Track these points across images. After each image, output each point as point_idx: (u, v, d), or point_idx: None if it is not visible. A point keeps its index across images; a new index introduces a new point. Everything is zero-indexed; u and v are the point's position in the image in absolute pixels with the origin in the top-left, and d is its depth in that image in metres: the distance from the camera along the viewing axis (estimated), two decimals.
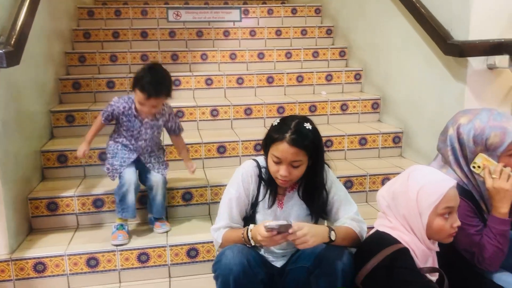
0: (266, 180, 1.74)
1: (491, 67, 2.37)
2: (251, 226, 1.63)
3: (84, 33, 3.68)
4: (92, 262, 2.12)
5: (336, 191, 1.75)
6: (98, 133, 2.29)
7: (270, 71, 3.51)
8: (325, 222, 1.80)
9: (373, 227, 1.66)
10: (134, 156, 2.25)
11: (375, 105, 3.32)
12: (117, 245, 2.15)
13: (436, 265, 1.59)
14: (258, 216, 1.75)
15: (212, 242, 2.07)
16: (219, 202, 1.79)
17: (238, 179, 1.74)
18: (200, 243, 2.20)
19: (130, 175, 2.18)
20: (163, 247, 2.18)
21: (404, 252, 1.49)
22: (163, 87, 2.13)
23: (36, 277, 2.08)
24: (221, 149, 2.83)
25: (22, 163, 2.32)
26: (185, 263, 2.20)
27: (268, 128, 1.69)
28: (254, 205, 1.75)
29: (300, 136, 1.60)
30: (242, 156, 2.84)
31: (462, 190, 1.65)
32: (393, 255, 1.48)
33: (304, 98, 3.32)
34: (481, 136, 1.64)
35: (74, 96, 3.22)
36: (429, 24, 2.58)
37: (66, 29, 3.52)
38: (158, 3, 4.24)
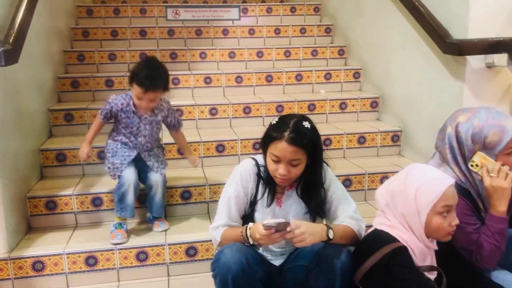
0: (265, 179, 1.74)
1: (489, 66, 2.37)
2: (250, 224, 1.63)
3: (83, 32, 3.67)
4: (91, 260, 2.12)
5: (335, 189, 1.75)
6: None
7: (269, 70, 3.51)
8: (324, 221, 1.80)
9: (371, 226, 1.66)
10: (134, 153, 2.25)
11: (374, 104, 3.32)
12: (115, 244, 2.15)
13: (435, 264, 1.60)
14: (257, 215, 1.75)
15: (210, 240, 2.06)
16: (218, 200, 1.79)
17: (237, 178, 1.74)
18: (199, 241, 2.20)
19: (130, 174, 2.18)
20: (161, 245, 2.18)
21: (402, 251, 1.50)
22: (160, 80, 2.13)
23: (35, 276, 2.08)
24: (220, 148, 2.83)
25: (20, 162, 2.32)
26: (183, 261, 2.20)
27: (267, 127, 1.69)
28: (252, 203, 1.75)
29: (299, 135, 1.60)
30: (241, 154, 2.84)
31: (460, 189, 1.65)
32: (392, 254, 1.48)
33: (303, 96, 3.31)
34: (479, 134, 1.64)
35: (73, 95, 3.22)
36: (428, 22, 2.58)
37: (64, 28, 3.51)
38: (157, 2, 4.24)
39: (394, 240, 1.52)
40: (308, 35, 4.01)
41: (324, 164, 1.75)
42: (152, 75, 2.09)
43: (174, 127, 2.36)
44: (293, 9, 4.23)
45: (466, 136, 1.67)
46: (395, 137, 3.04)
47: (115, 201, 2.22)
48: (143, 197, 2.36)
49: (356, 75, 3.59)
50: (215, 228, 1.74)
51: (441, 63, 2.59)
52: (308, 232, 1.50)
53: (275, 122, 1.66)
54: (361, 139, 2.99)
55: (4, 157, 2.10)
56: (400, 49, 3.02)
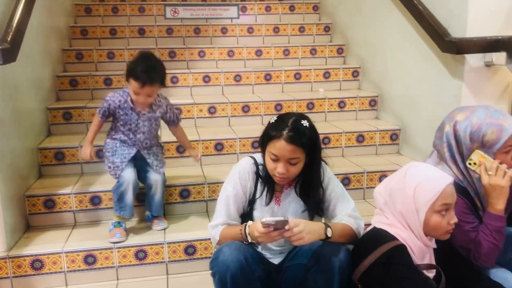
0: (264, 177, 1.74)
1: (488, 64, 2.37)
2: (249, 222, 1.64)
3: (81, 30, 3.66)
4: (90, 259, 2.12)
5: (333, 188, 1.75)
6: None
7: (267, 69, 3.51)
8: (322, 219, 1.80)
9: (370, 224, 1.66)
10: (133, 151, 2.24)
11: (373, 103, 3.32)
12: (114, 243, 2.15)
13: (433, 262, 1.60)
14: (256, 213, 1.75)
15: (209, 239, 2.07)
16: (216, 199, 1.79)
17: (235, 176, 1.74)
18: (197, 240, 2.20)
19: (129, 174, 2.18)
20: (160, 244, 2.18)
21: (401, 249, 1.50)
22: (157, 74, 2.12)
23: (34, 275, 2.08)
24: (219, 146, 2.83)
25: (19, 161, 2.32)
26: (182, 260, 2.20)
27: (266, 125, 1.69)
28: (251, 202, 1.75)
29: (298, 133, 1.60)
30: (239, 153, 2.84)
31: (458, 187, 1.65)
32: (390, 252, 1.48)
33: (302, 95, 3.31)
34: (477, 133, 1.65)
35: (71, 93, 3.21)
36: (427, 21, 2.58)
37: (63, 26, 3.51)
38: (156, 0, 4.22)
39: (393, 238, 1.52)
40: (307, 33, 4.01)
41: (323, 163, 1.75)
42: (148, 69, 2.09)
43: (174, 123, 2.36)
44: (292, 8, 4.23)
45: (464, 135, 1.67)
46: (394, 136, 3.04)
47: (114, 200, 2.21)
48: (142, 195, 2.36)
49: (355, 73, 3.59)
50: (214, 227, 1.74)
51: (440, 61, 2.59)
52: (306, 230, 1.50)
53: (273, 121, 1.66)
54: (360, 138, 3.00)
55: (2, 155, 2.09)
56: (399, 47, 3.02)
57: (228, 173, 1.79)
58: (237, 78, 3.44)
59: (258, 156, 1.77)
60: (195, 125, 3.10)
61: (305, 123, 1.63)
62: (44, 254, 2.08)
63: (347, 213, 1.72)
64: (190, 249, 2.20)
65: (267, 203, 1.74)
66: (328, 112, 3.27)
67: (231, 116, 3.16)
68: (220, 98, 3.24)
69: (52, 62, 3.13)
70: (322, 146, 1.76)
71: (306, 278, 1.62)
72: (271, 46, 3.74)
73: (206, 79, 3.40)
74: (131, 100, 2.18)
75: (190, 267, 2.21)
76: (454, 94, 2.48)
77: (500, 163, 1.63)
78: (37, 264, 2.08)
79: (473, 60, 2.38)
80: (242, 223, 1.73)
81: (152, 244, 2.17)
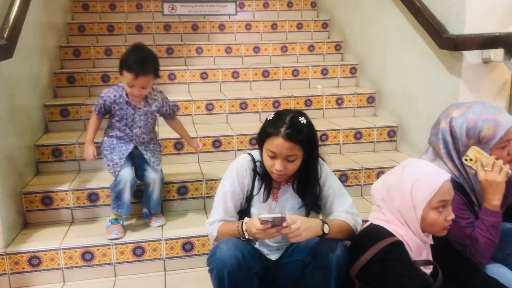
0: (261, 174, 1.74)
1: (486, 61, 2.38)
2: (246, 219, 1.64)
3: (78, 27, 3.65)
4: (87, 256, 2.12)
5: (331, 184, 1.75)
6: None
7: (265, 65, 3.50)
8: (320, 216, 1.81)
9: (367, 221, 1.66)
10: (131, 146, 2.23)
11: (371, 99, 3.32)
12: (112, 239, 2.14)
13: (430, 258, 1.60)
14: (253, 210, 1.75)
15: (207, 235, 2.07)
16: (214, 196, 1.79)
17: (233, 173, 1.74)
18: (195, 236, 2.21)
19: (126, 172, 2.17)
20: (158, 240, 2.18)
21: (398, 245, 1.50)
22: (150, 64, 2.11)
23: (31, 271, 2.08)
24: (216, 143, 2.82)
25: (16, 158, 2.31)
26: (180, 256, 2.21)
27: (263, 122, 1.69)
28: (249, 199, 1.76)
29: (295, 130, 1.60)
30: (237, 150, 2.84)
31: (454, 183, 1.65)
32: (388, 248, 1.48)
33: (300, 92, 3.31)
34: (474, 129, 1.65)
35: (69, 90, 3.21)
36: (425, 18, 2.58)
37: (60, 23, 3.49)
38: None
39: (390, 234, 1.53)
40: (305, 30, 4.00)
41: (320, 159, 1.75)
42: (141, 60, 2.07)
43: (170, 116, 2.35)
44: (290, 4, 4.22)
45: (460, 131, 1.67)
46: (392, 133, 3.04)
47: (111, 198, 2.21)
48: (139, 192, 2.36)
49: (353, 70, 3.59)
50: (211, 223, 1.75)
51: (438, 58, 2.59)
52: (303, 227, 1.51)
53: (271, 118, 1.66)
54: (358, 135, 3.00)
55: None
56: (397, 44, 3.02)
57: (225, 170, 1.79)
58: (235, 74, 3.43)
59: (256, 153, 1.77)
60: (193, 122, 3.10)
61: (302, 120, 1.63)
62: (41, 251, 2.08)
63: (344, 209, 1.72)
64: (187, 246, 2.21)
65: (265, 200, 1.74)
66: (326, 109, 3.27)
67: (228, 113, 3.15)
68: (218, 95, 3.24)
69: (49, 59, 3.12)
70: (320, 143, 1.76)
71: (304, 274, 1.62)
72: (269, 43, 3.73)
73: (204, 75, 3.39)
74: (126, 95, 2.17)
75: (187, 263, 2.21)
76: (452, 90, 2.48)
77: (496, 159, 1.64)
78: (34, 261, 2.08)
79: (471, 57, 2.39)
80: (239, 219, 1.74)
81: (150, 241, 2.17)
